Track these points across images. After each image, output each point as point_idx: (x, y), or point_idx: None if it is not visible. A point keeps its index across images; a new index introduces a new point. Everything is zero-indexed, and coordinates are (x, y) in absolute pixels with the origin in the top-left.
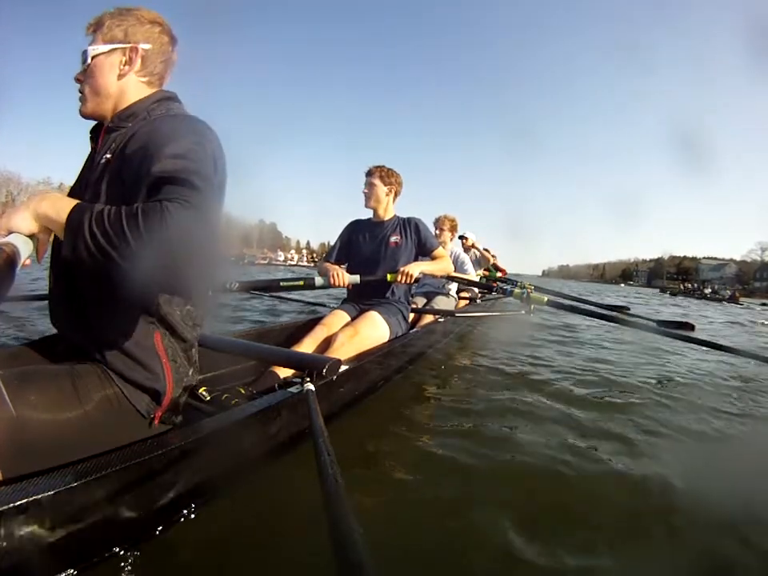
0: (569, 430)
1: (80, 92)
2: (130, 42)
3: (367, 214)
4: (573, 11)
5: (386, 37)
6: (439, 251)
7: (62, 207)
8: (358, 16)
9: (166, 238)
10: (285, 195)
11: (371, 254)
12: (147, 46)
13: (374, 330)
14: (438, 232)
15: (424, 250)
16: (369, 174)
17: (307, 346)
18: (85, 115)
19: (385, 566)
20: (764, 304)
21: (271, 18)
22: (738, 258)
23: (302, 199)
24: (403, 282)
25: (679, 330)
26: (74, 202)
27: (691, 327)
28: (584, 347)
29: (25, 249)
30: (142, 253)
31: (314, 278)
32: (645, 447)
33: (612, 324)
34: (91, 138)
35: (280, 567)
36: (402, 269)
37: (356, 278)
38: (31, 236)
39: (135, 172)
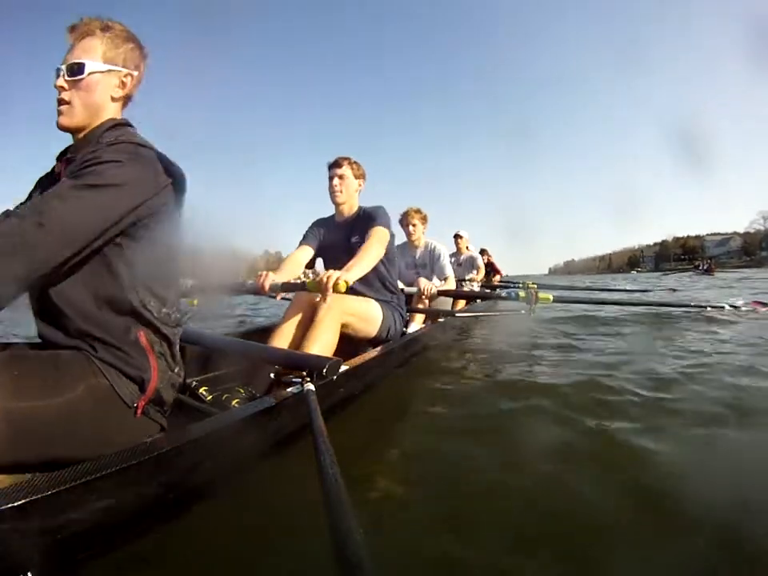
0: (571, 432)
1: (64, 101)
2: (127, 68)
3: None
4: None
5: (384, 40)
6: (373, 230)
7: None
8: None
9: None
10: (282, 221)
11: (340, 254)
12: (136, 73)
13: (366, 303)
14: (411, 228)
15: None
16: (336, 165)
17: (306, 345)
18: (66, 127)
19: (385, 566)
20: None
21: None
22: (741, 230)
23: (298, 230)
24: (326, 291)
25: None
26: None
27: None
28: (585, 341)
29: None
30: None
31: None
32: (652, 450)
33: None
34: (57, 159)
35: (280, 567)
36: (321, 275)
37: (277, 283)
38: None
39: None
